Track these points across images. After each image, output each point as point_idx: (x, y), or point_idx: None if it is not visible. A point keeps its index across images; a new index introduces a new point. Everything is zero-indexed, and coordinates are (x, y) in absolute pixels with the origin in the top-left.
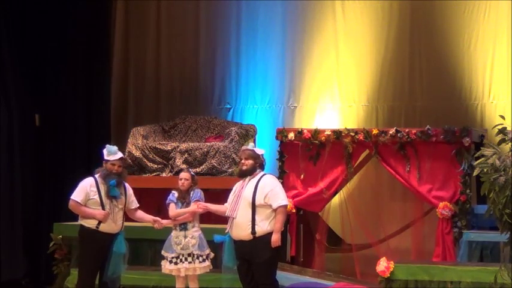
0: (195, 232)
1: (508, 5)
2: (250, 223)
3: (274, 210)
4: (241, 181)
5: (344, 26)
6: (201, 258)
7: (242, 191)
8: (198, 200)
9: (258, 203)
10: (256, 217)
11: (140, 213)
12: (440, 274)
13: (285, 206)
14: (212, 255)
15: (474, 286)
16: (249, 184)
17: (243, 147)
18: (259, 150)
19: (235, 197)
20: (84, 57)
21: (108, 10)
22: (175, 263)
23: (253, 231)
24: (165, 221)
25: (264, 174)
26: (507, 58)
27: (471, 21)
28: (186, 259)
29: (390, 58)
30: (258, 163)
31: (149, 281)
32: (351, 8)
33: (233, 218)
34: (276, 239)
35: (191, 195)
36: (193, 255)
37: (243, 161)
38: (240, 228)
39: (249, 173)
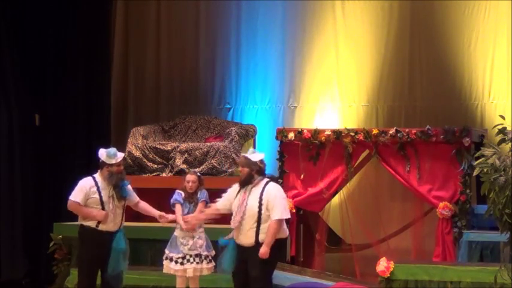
0: (201, 233)
1: (508, 5)
2: (255, 232)
3: None
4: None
5: (344, 26)
6: (208, 259)
7: (246, 201)
8: (204, 201)
9: (264, 213)
10: (261, 226)
11: (144, 205)
12: (440, 274)
13: (280, 221)
14: (213, 254)
15: (474, 286)
16: (253, 194)
17: (242, 154)
18: (255, 156)
19: (239, 206)
20: (84, 58)
21: (108, 10)
22: (182, 263)
23: (257, 239)
24: (170, 217)
25: (267, 183)
26: (507, 58)
27: (471, 21)
28: (194, 260)
29: (390, 58)
30: (254, 170)
31: (149, 281)
32: (351, 8)
33: (238, 227)
34: (264, 251)
35: (198, 194)
36: (201, 255)
37: (240, 169)
38: (245, 237)
39: (247, 181)
